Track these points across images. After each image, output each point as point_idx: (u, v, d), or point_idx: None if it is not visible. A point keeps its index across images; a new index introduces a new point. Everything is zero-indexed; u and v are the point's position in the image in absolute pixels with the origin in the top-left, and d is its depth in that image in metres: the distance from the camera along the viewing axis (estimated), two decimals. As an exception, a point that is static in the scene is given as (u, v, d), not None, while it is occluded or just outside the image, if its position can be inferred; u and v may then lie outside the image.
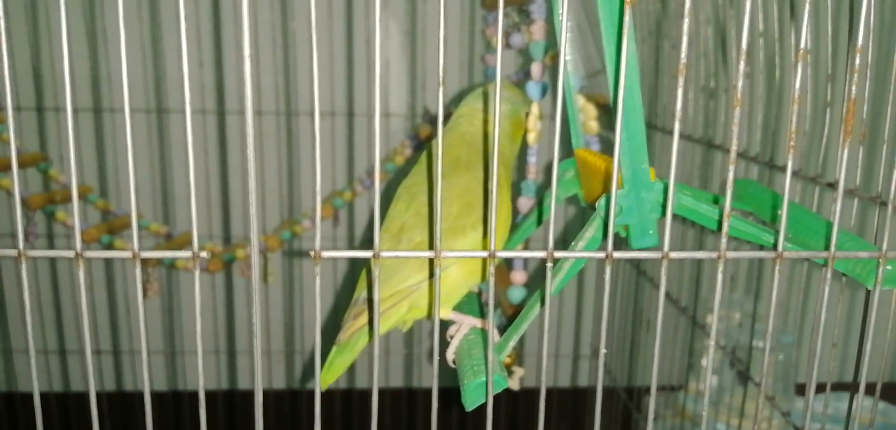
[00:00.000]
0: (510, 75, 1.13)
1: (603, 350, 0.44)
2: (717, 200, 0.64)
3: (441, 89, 0.40)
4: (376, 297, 0.43)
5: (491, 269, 0.42)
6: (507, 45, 0.93)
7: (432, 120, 1.27)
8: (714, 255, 0.43)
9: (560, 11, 0.63)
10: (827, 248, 0.45)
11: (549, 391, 1.47)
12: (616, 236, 0.44)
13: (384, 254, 0.43)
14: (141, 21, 1.28)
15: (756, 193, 0.67)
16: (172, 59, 1.32)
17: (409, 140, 1.28)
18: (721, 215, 0.46)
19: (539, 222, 0.71)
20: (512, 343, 0.53)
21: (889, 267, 0.46)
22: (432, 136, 1.24)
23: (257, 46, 1.31)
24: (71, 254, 0.42)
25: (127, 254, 0.42)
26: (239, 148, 1.37)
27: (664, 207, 0.49)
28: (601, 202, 0.50)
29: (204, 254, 0.42)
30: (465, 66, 1.35)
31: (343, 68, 1.35)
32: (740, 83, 0.41)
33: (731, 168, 0.42)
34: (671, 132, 0.42)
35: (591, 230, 0.51)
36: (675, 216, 0.44)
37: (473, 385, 0.51)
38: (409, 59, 1.35)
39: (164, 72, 1.32)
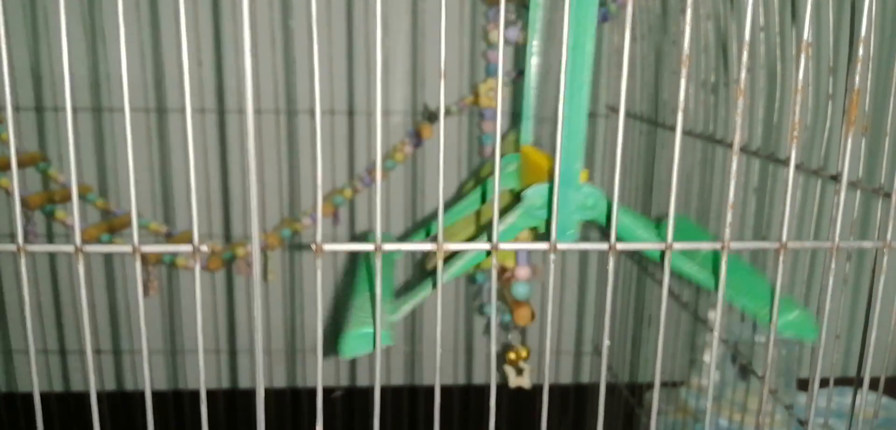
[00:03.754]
0: (509, 72, 1.13)
1: (606, 341, 0.44)
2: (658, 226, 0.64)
3: (442, 82, 0.40)
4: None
5: (493, 261, 0.42)
6: (505, 41, 0.94)
7: (430, 117, 1.27)
8: (717, 245, 0.43)
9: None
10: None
11: (551, 388, 1.47)
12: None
13: (386, 247, 0.43)
14: (140, 20, 1.28)
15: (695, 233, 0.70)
16: (171, 57, 1.31)
17: (409, 137, 1.28)
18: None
19: (483, 200, 0.73)
20: (406, 309, 0.54)
21: (793, 314, 0.47)
22: (432, 134, 1.23)
23: (256, 44, 1.31)
24: (70, 248, 0.42)
25: (127, 248, 0.42)
26: (238, 146, 1.37)
27: (590, 210, 0.51)
28: (526, 192, 0.52)
29: (204, 248, 0.42)
30: (465, 63, 1.35)
31: (343, 66, 1.35)
32: (743, 74, 0.41)
33: (735, 159, 0.42)
34: (672, 128, 0.42)
35: (512, 218, 0.53)
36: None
37: (355, 334, 0.50)
38: (408, 55, 1.35)
39: (164, 71, 1.32)
